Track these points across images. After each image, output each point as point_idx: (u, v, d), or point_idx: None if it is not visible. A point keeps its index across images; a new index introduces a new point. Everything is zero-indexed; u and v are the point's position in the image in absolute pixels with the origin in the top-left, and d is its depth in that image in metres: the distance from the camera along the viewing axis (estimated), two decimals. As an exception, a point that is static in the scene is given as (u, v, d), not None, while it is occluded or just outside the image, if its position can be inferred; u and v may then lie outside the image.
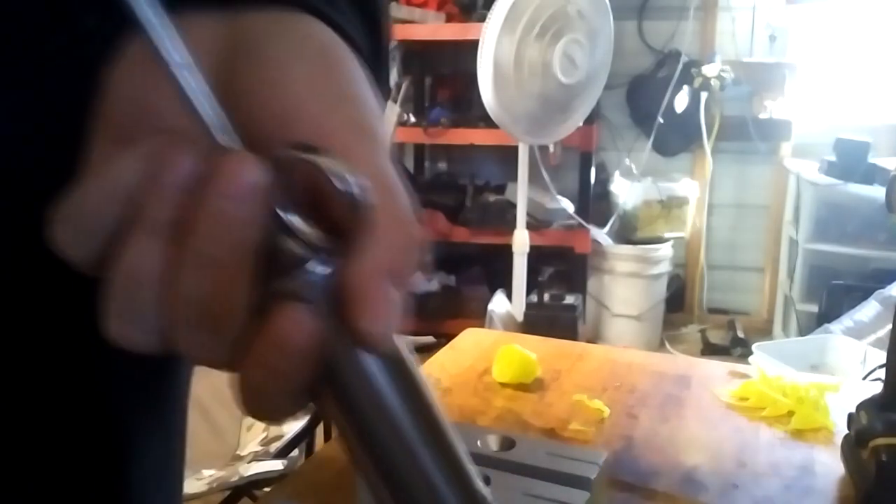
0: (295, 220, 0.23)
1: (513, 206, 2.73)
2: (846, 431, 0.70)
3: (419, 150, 3.64)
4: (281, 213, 0.23)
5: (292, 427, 1.69)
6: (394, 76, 3.09)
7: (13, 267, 0.36)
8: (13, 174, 0.35)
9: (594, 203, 3.30)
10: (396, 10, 3.00)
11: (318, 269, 0.23)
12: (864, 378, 1.52)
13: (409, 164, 3.66)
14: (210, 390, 1.52)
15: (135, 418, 0.44)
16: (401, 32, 2.96)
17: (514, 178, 2.59)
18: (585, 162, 3.22)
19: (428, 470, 0.25)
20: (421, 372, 0.26)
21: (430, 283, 3.17)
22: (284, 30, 0.27)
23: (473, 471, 0.27)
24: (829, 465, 0.71)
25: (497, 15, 2.17)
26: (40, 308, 0.37)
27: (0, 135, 0.34)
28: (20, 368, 0.37)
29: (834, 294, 2.86)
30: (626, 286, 3.27)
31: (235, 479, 1.44)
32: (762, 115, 3.33)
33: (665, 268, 3.35)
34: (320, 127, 0.25)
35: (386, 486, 0.26)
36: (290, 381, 0.23)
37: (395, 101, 3.03)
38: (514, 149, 2.52)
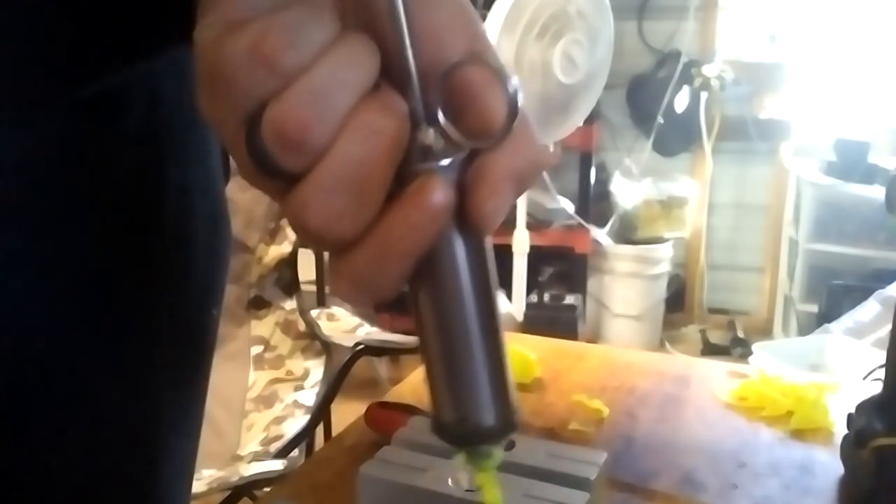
0: (442, 121, 0.27)
1: (513, 205, 2.73)
2: (846, 431, 0.70)
3: (419, 150, 3.64)
4: (430, 116, 0.27)
5: (292, 427, 1.69)
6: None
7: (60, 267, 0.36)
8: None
9: (594, 203, 3.30)
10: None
11: (454, 157, 0.27)
12: (864, 378, 1.52)
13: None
14: (210, 391, 1.52)
15: (169, 414, 0.45)
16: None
17: (514, 178, 2.59)
18: (585, 162, 3.22)
19: (479, 360, 0.30)
20: (492, 266, 0.30)
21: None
22: None
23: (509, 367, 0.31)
24: (829, 465, 0.71)
25: (497, 15, 2.16)
26: (85, 303, 0.38)
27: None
28: (66, 362, 0.38)
29: (834, 294, 2.86)
30: (626, 286, 3.27)
31: (235, 479, 1.44)
32: (762, 115, 3.33)
33: (665, 268, 3.34)
34: (462, 43, 0.28)
35: (442, 363, 0.30)
36: (417, 247, 0.26)
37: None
38: (514, 149, 2.52)
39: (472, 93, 0.27)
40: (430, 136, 0.27)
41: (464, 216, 0.27)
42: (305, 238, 0.26)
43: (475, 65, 0.27)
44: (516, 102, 0.27)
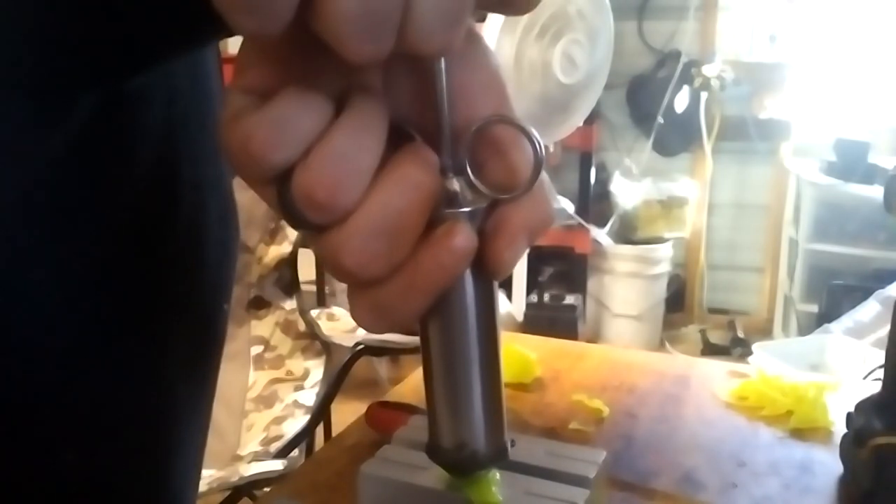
0: (469, 172, 0.30)
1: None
2: (845, 431, 0.70)
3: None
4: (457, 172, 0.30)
5: (292, 427, 1.69)
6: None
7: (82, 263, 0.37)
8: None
9: (594, 203, 3.30)
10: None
11: (477, 206, 0.29)
12: (864, 378, 1.52)
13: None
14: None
15: (182, 408, 0.45)
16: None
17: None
18: (585, 162, 3.22)
19: (479, 391, 0.32)
20: (499, 307, 0.32)
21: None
22: None
23: (504, 401, 0.34)
24: (828, 464, 0.71)
25: (497, 15, 2.16)
26: (100, 299, 0.38)
27: None
28: (81, 356, 0.38)
29: (834, 294, 2.86)
30: (626, 286, 3.27)
31: (235, 479, 1.44)
32: (762, 115, 3.33)
33: (665, 268, 3.35)
34: (493, 104, 0.30)
35: (445, 391, 0.32)
36: (440, 284, 0.28)
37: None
38: (514, 149, 2.52)
39: (501, 149, 0.30)
40: (457, 185, 0.29)
41: (480, 260, 0.29)
42: (336, 275, 0.28)
43: (505, 123, 0.30)
44: (542, 161, 0.30)
